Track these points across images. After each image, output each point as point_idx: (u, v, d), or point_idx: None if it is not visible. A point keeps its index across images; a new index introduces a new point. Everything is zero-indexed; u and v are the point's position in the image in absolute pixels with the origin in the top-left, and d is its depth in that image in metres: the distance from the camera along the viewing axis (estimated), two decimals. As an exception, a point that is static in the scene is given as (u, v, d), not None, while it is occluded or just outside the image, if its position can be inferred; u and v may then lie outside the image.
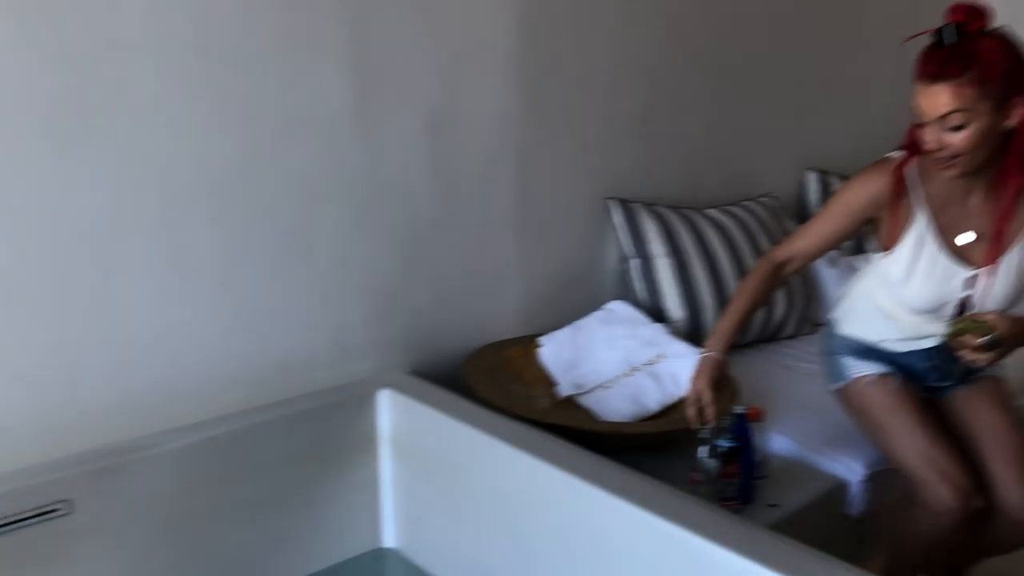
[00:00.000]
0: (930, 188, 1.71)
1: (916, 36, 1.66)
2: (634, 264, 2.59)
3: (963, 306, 1.75)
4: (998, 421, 1.83)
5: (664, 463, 1.95)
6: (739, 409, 1.88)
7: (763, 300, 1.87)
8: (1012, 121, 1.58)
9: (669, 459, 1.97)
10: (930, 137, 1.60)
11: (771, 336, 2.74)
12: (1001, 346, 1.66)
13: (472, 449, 1.79)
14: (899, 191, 1.71)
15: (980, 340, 1.64)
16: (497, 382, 2.19)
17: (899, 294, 1.79)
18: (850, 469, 2.03)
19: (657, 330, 2.43)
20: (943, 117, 1.56)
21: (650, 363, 2.34)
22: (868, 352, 1.91)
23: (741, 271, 2.61)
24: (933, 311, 1.78)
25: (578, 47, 2.44)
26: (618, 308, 2.52)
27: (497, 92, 2.29)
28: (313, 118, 1.98)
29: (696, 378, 1.78)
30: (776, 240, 2.75)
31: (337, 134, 2.02)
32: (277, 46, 1.89)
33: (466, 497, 1.84)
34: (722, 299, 2.57)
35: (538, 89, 2.37)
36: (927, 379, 1.90)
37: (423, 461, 1.93)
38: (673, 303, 2.55)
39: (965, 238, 1.72)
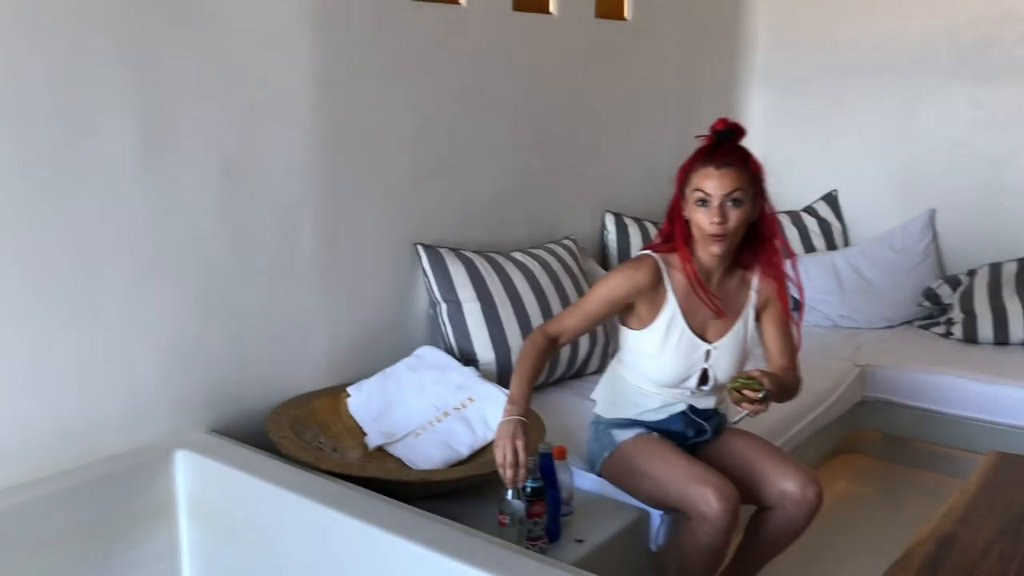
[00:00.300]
0: (677, 278, 2.03)
1: (700, 136, 1.99)
2: (443, 309, 2.61)
3: (704, 376, 2.05)
4: (755, 442, 2.12)
5: (476, 506, 1.97)
6: (544, 448, 1.92)
7: (542, 368, 2.03)
8: (756, 213, 1.97)
9: (481, 502, 1.98)
10: (713, 217, 1.91)
11: (576, 373, 2.83)
12: (770, 397, 1.91)
13: (274, 508, 1.73)
14: (655, 281, 2.01)
15: (757, 395, 1.88)
16: (303, 436, 2.14)
17: (651, 369, 2.06)
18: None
19: (467, 373, 2.45)
20: (730, 193, 1.90)
21: (460, 407, 2.36)
22: (626, 425, 2.13)
23: (546, 312, 2.69)
24: (680, 381, 2.06)
25: (378, 95, 2.46)
26: (428, 353, 2.52)
27: (296, 140, 2.27)
28: (95, 168, 1.88)
29: (507, 440, 1.81)
30: (577, 280, 2.86)
31: (123, 185, 1.93)
32: (51, 91, 1.79)
33: (270, 559, 1.78)
34: (529, 340, 2.63)
35: (338, 137, 2.36)
36: (686, 437, 2.13)
37: (225, 525, 1.85)
38: (482, 346, 2.59)
39: (704, 319, 2.04)
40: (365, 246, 2.49)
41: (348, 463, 1.97)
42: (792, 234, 3.86)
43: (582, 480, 2.19)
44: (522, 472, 1.80)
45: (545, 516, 1.86)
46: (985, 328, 3.31)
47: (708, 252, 1.97)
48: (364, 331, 2.52)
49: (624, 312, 2.09)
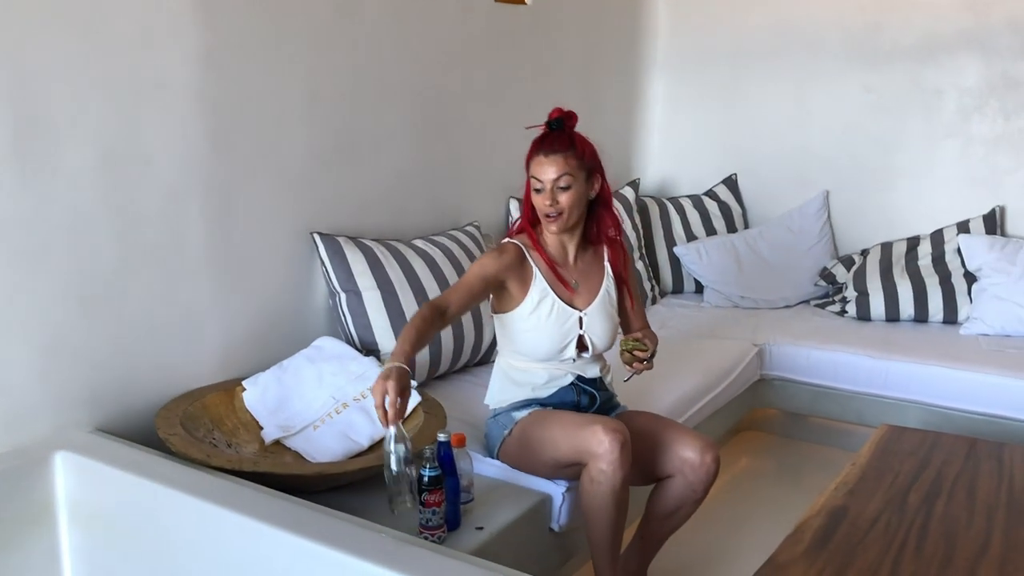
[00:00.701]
0: (541, 255, 2.16)
1: (534, 127, 2.14)
2: (342, 299, 2.56)
3: (581, 343, 2.14)
4: (654, 417, 2.21)
5: (376, 499, 1.93)
6: (442, 436, 1.89)
7: (430, 336, 1.98)
8: (594, 191, 2.13)
9: (381, 494, 1.94)
10: (545, 201, 2.08)
11: (480, 361, 2.81)
12: (653, 355, 2.16)
13: (161, 508, 1.67)
14: (520, 260, 2.14)
15: (645, 354, 2.13)
16: (194, 433, 2.07)
17: (530, 343, 2.14)
18: (552, 484, 2.12)
19: (367, 364, 2.41)
20: (557, 179, 2.05)
21: (360, 397, 2.31)
22: (523, 405, 2.18)
23: (448, 299, 2.66)
24: (559, 350, 2.14)
25: (269, 79, 2.38)
26: (326, 344, 2.47)
27: (181, 126, 2.18)
28: (-42, 157, 1.77)
29: (378, 382, 1.75)
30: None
31: (-10, 174, 1.82)
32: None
33: (157, 560, 1.71)
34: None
35: (227, 123, 2.28)
36: (580, 408, 2.20)
37: (109, 527, 1.77)
38: (383, 335, 2.55)
39: (573, 286, 2.18)
40: (258, 235, 2.42)
41: (241, 458, 1.91)
42: (694, 217, 3.92)
43: (483, 467, 2.17)
44: (391, 412, 1.72)
45: (444, 505, 1.84)
46: (877, 306, 3.42)
47: (548, 231, 2.15)
48: (259, 323, 2.45)
49: (498, 297, 2.16)
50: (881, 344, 3.14)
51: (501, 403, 2.21)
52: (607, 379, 2.27)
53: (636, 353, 2.11)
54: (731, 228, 3.97)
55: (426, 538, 1.84)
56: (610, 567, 2.02)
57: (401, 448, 1.72)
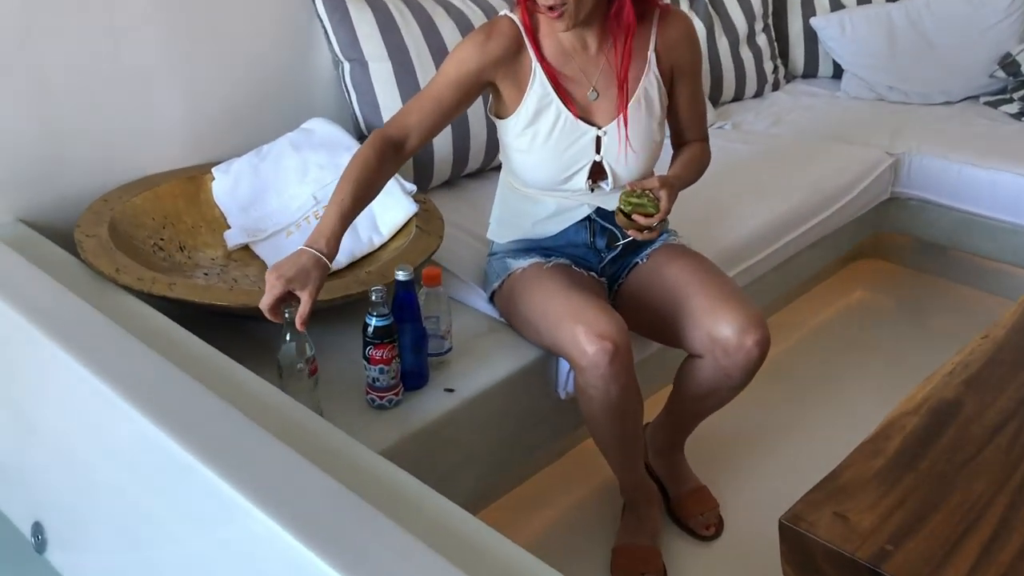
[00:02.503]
0: (547, 45, 1.54)
1: None
2: (346, 69, 2.04)
3: (596, 171, 1.57)
4: (693, 269, 1.59)
5: (341, 334, 1.54)
6: (401, 275, 1.43)
7: (373, 186, 1.47)
8: None
9: (351, 327, 1.52)
10: None
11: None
12: (662, 222, 1.52)
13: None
14: (515, 49, 1.52)
15: (650, 221, 1.50)
16: (131, 233, 1.69)
17: (526, 166, 1.59)
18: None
19: (365, 155, 1.92)
20: None
21: (347, 200, 1.85)
22: (524, 250, 1.66)
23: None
24: (562, 180, 1.58)
25: None
26: (318, 128, 1.99)
27: None
28: None
29: (271, 275, 1.31)
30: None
31: None
32: None
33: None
34: (454, 124, 2.07)
35: None
36: (598, 254, 1.67)
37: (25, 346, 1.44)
38: (394, 119, 2.03)
39: (589, 95, 1.55)
40: (234, -18, 1.90)
41: (153, 278, 1.50)
42: (842, -22, 3.07)
43: (483, 306, 1.72)
44: (298, 322, 1.30)
45: (395, 362, 1.41)
46: (1069, 109, 2.60)
47: (553, 28, 1.49)
48: (240, 96, 1.98)
49: (493, 98, 1.59)
50: (1064, 163, 2.37)
51: (500, 236, 1.70)
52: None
53: (636, 217, 1.49)
54: (891, -6, 3.10)
55: (371, 401, 1.43)
56: (625, 470, 1.61)
57: (290, 349, 1.32)
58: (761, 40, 2.92)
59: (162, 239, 1.77)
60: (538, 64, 1.52)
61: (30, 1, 1.62)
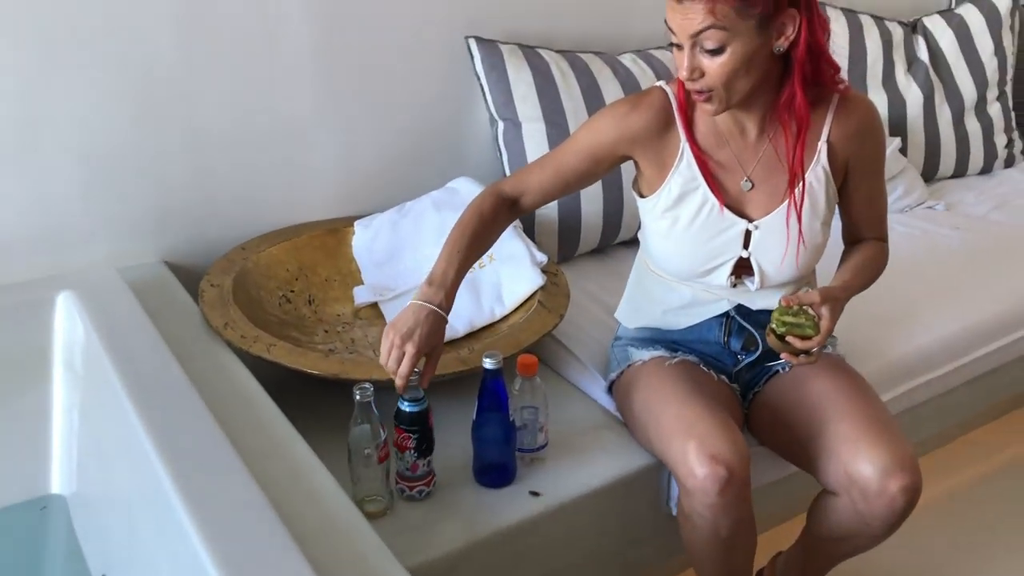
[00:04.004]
0: (700, 124, 1.36)
1: None
2: (500, 128, 1.97)
3: (740, 266, 1.38)
4: (840, 390, 1.36)
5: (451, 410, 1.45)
6: (489, 363, 1.31)
7: (488, 241, 1.40)
8: (784, 40, 1.22)
9: (461, 403, 1.43)
10: (684, 63, 1.22)
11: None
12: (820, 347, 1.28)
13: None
14: (662, 125, 1.35)
15: (807, 344, 1.25)
16: (259, 284, 1.70)
17: (663, 252, 1.43)
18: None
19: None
20: (698, 35, 1.18)
21: (479, 266, 1.77)
22: (650, 340, 1.51)
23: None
24: (702, 273, 1.40)
25: None
26: (462, 187, 1.93)
27: None
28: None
29: (394, 333, 1.25)
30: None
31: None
32: None
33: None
34: (607, 181, 1.94)
35: None
36: (733, 356, 1.48)
37: (104, 387, 1.47)
38: (543, 182, 1.93)
39: (741, 183, 1.36)
40: (394, 34, 1.88)
41: (258, 337, 1.47)
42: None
43: (599, 395, 1.57)
44: (399, 383, 1.25)
45: (410, 453, 1.29)
46: None
47: (702, 110, 1.31)
48: (393, 150, 1.97)
49: (635, 174, 1.44)
50: None
51: (629, 320, 1.55)
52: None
53: (791, 340, 1.25)
54: None
55: (401, 491, 1.34)
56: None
57: (364, 431, 1.26)
58: (994, 110, 2.55)
59: (292, 291, 1.77)
60: (687, 144, 1.35)
61: (192, 44, 1.67)
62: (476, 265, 1.74)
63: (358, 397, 1.24)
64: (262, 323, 1.58)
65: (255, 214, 1.84)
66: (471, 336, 1.67)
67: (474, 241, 1.34)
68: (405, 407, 1.27)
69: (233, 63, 1.72)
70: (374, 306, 1.80)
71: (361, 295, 1.80)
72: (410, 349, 1.22)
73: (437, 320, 1.26)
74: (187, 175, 1.76)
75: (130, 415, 1.18)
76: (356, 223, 1.89)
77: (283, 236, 1.83)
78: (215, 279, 1.64)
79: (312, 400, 1.50)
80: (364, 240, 1.87)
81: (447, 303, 1.29)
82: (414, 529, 1.28)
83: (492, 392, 1.32)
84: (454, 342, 1.66)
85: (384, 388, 1.34)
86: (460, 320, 1.69)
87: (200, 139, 1.74)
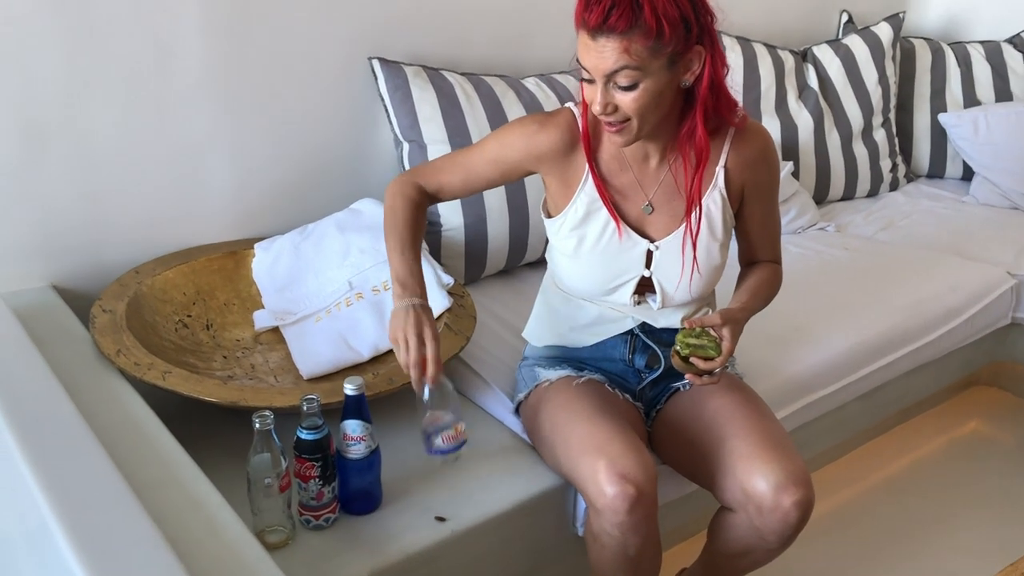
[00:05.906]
0: (604, 150, 1.39)
1: None
2: (405, 150, 1.96)
3: (642, 285, 1.42)
4: (737, 408, 1.39)
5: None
6: (350, 389, 1.28)
7: (423, 229, 1.45)
8: (691, 75, 1.25)
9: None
10: (597, 98, 1.24)
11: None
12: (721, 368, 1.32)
13: None
14: (568, 146, 1.38)
15: (710, 365, 1.29)
16: (155, 309, 1.64)
17: (568, 272, 1.45)
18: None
19: (411, 242, 1.82)
20: (612, 75, 1.21)
21: (381, 288, 1.75)
22: (557, 359, 1.54)
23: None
24: (606, 291, 1.44)
25: None
26: (366, 209, 1.91)
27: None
28: None
29: (406, 330, 1.29)
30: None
31: None
32: None
33: None
34: (513, 205, 1.96)
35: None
36: (632, 378, 1.51)
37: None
38: (448, 206, 1.93)
39: (642, 207, 1.40)
40: (295, 55, 1.86)
41: (152, 364, 1.42)
42: (982, 73, 2.79)
43: (506, 418, 1.57)
44: (431, 369, 1.28)
45: (313, 481, 1.27)
46: None
47: (611, 141, 1.35)
48: (293, 172, 1.93)
49: (544, 195, 1.47)
50: None
51: (536, 339, 1.56)
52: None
53: (694, 361, 1.29)
54: (1037, 93, 2.80)
55: (307, 522, 1.31)
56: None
57: (264, 460, 1.23)
58: (879, 135, 2.68)
59: (189, 315, 1.72)
60: (590, 170, 1.37)
61: (79, 65, 1.61)
62: (381, 287, 1.76)
63: (258, 425, 1.21)
64: (157, 349, 1.53)
65: (149, 237, 1.78)
66: (376, 360, 1.65)
67: (417, 231, 1.40)
68: (304, 435, 1.25)
69: (122, 84, 1.67)
70: (275, 331, 1.76)
71: (261, 319, 1.76)
72: (428, 332, 1.27)
73: (428, 311, 1.32)
74: (74, 197, 1.69)
75: (11, 449, 1.12)
76: (256, 245, 1.85)
77: (179, 259, 1.77)
78: (107, 304, 1.58)
79: (210, 429, 1.46)
80: (265, 263, 1.83)
81: (424, 294, 1.34)
82: (317, 559, 1.25)
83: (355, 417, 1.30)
84: (359, 366, 1.64)
85: (285, 414, 1.32)
86: (365, 344, 1.66)
87: (88, 161, 1.68)
